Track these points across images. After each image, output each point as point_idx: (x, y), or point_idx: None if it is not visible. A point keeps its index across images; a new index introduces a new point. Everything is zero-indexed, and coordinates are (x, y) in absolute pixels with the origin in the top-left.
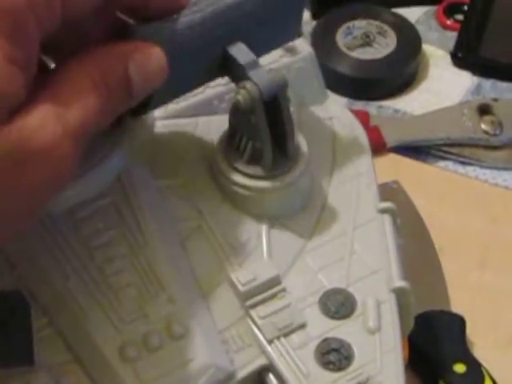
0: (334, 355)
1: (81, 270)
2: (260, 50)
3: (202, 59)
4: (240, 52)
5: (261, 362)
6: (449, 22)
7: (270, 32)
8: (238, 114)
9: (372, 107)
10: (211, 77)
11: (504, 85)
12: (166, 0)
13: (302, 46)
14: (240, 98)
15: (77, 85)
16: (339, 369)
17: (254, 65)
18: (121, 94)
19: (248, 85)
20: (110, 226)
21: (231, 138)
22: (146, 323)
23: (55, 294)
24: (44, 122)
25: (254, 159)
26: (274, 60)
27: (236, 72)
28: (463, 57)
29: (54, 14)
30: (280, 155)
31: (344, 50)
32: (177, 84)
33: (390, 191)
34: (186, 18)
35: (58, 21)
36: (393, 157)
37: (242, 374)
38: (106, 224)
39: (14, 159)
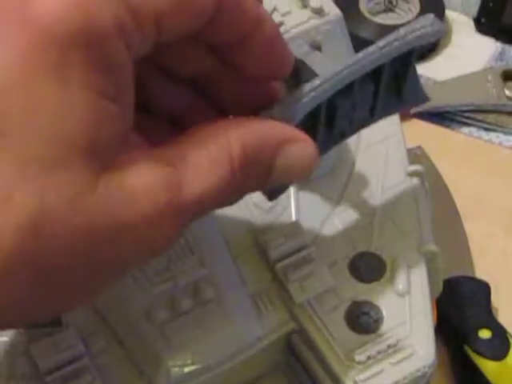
0: (364, 318)
1: None
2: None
3: None
4: None
5: (290, 325)
6: None
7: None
8: None
9: None
10: None
11: None
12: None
13: (330, 7)
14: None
15: (209, 153)
16: (369, 332)
17: None
18: (255, 183)
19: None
20: None
21: None
22: (175, 286)
23: None
24: (148, 185)
25: None
26: (302, 22)
27: None
28: (487, 23)
29: (145, 36)
30: None
31: (367, 15)
32: None
33: (413, 157)
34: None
35: (150, 43)
36: (417, 122)
37: (271, 337)
38: None
39: (103, 220)
